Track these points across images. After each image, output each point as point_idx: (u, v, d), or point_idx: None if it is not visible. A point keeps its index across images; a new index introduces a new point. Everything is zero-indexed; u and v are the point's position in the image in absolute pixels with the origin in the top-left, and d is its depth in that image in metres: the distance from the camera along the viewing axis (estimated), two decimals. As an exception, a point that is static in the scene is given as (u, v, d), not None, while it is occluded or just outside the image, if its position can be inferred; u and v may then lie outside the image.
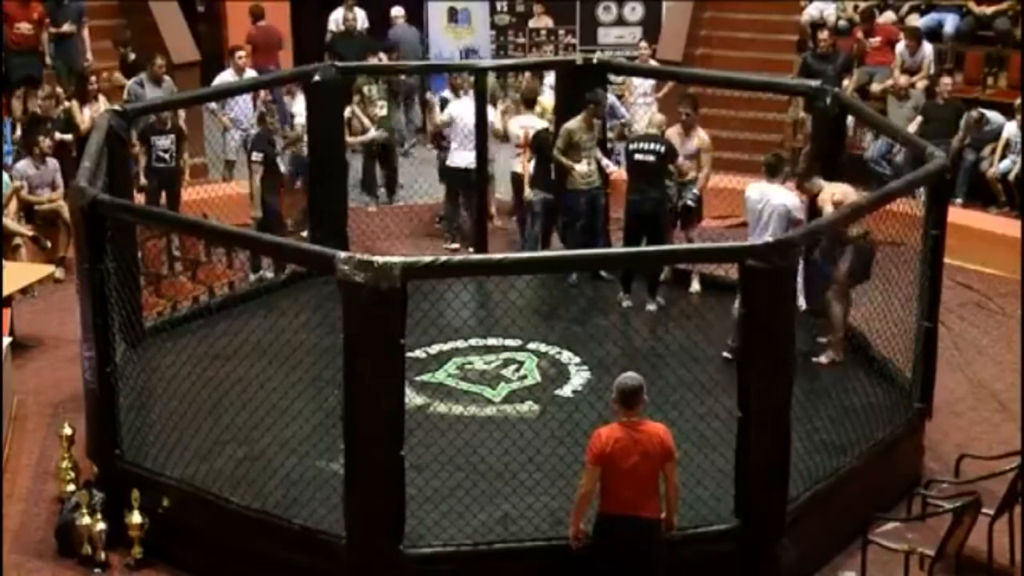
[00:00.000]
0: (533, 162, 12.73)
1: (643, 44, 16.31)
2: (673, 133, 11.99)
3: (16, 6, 15.13)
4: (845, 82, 15.31)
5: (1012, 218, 13.84)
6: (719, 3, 17.98)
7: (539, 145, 12.62)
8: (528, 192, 12.77)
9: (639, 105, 15.90)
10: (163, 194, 13.48)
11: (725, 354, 9.65)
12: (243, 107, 15.01)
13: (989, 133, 14.30)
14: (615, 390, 7.19)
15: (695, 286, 11.87)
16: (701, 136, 12.11)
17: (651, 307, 11.40)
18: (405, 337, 7.30)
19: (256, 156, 12.81)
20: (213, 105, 15.13)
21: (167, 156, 13.59)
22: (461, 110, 13.84)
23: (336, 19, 17.79)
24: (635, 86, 15.87)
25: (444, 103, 14.54)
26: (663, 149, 11.50)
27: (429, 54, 18.28)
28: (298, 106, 14.25)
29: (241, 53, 15.16)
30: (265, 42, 17.24)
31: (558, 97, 13.08)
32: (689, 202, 11.96)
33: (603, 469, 7.16)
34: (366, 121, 15.02)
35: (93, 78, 14.67)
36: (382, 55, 16.29)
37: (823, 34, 15.76)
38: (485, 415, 9.34)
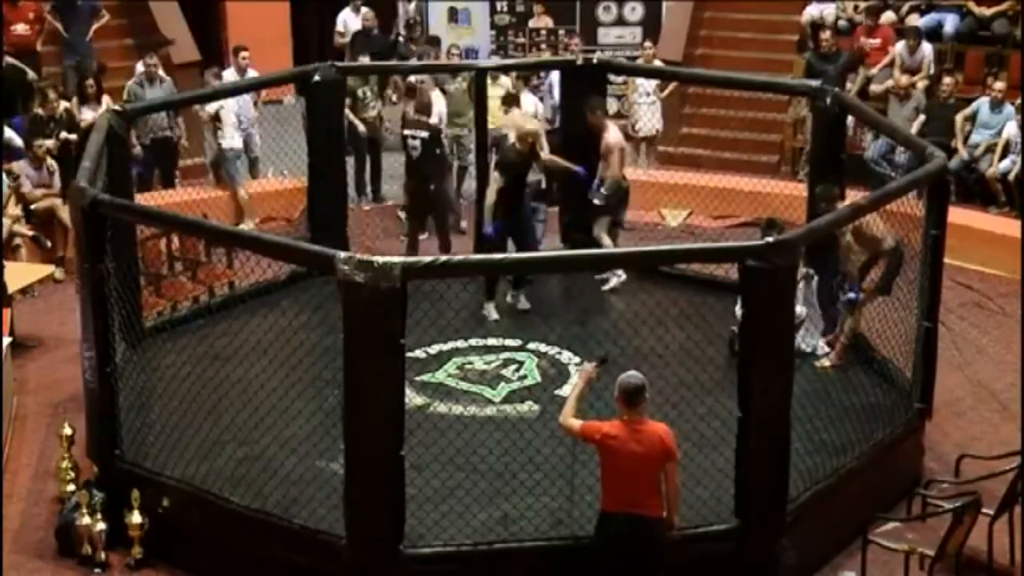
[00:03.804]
0: (499, 186, 11.42)
1: (647, 44, 16.30)
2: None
3: (9, 8, 15.09)
4: (848, 83, 15.31)
5: (1012, 218, 13.84)
6: (719, 3, 17.99)
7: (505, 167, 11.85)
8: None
9: (642, 105, 15.91)
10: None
11: (733, 327, 9.71)
12: (243, 107, 14.98)
13: (999, 119, 14.28)
14: (617, 388, 7.23)
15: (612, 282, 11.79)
16: (607, 138, 11.91)
17: (523, 305, 11.32)
18: (405, 337, 7.31)
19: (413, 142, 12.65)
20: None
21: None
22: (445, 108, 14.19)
23: (344, 20, 17.72)
24: (638, 85, 15.87)
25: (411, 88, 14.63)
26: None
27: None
28: None
29: (244, 53, 15.12)
30: None
31: (560, 98, 13.06)
32: (596, 201, 11.92)
33: (601, 463, 7.25)
34: (360, 125, 15.05)
35: (91, 82, 14.65)
36: (363, 57, 15.82)
37: (825, 34, 15.75)
38: (485, 415, 9.33)
